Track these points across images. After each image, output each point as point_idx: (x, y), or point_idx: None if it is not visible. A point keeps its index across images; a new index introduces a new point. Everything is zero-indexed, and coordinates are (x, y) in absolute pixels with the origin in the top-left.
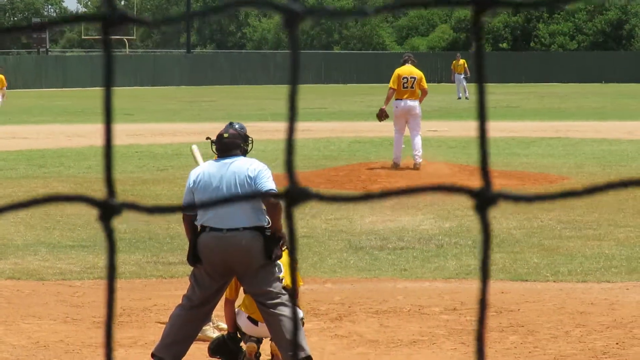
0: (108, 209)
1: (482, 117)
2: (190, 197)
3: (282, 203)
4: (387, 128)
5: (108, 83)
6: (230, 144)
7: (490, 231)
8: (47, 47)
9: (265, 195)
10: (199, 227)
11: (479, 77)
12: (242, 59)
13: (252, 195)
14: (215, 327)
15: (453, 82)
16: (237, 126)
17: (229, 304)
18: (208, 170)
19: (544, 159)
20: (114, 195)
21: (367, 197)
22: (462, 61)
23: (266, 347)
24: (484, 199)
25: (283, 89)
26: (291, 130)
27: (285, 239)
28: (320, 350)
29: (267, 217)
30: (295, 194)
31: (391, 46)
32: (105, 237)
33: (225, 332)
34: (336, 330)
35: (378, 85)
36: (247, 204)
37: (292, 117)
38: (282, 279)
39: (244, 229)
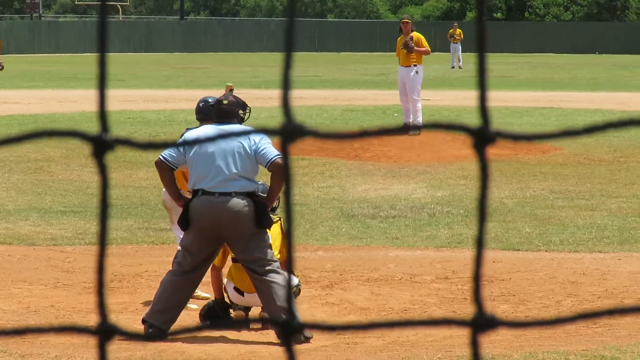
0: (101, 145)
1: (481, 54)
2: (179, 151)
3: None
4: (381, 97)
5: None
6: (228, 111)
7: (488, 170)
8: (40, 12)
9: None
10: (191, 192)
11: (480, 22)
12: (235, 26)
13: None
14: (195, 296)
15: (448, 51)
16: (206, 101)
17: (216, 270)
18: (205, 132)
19: (537, 128)
20: (108, 131)
21: (363, 134)
22: (458, 31)
23: (254, 314)
24: (483, 137)
25: (276, 57)
26: (287, 66)
27: (273, 205)
28: (311, 317)
29: (258, 184)
30: (291, 130)
31: (385, 15)
32: (98, 172)
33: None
34: (327, 297)
35: (371, 53)
36: (240, 170)
37: (289, 50)
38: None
39: (236, 194)
